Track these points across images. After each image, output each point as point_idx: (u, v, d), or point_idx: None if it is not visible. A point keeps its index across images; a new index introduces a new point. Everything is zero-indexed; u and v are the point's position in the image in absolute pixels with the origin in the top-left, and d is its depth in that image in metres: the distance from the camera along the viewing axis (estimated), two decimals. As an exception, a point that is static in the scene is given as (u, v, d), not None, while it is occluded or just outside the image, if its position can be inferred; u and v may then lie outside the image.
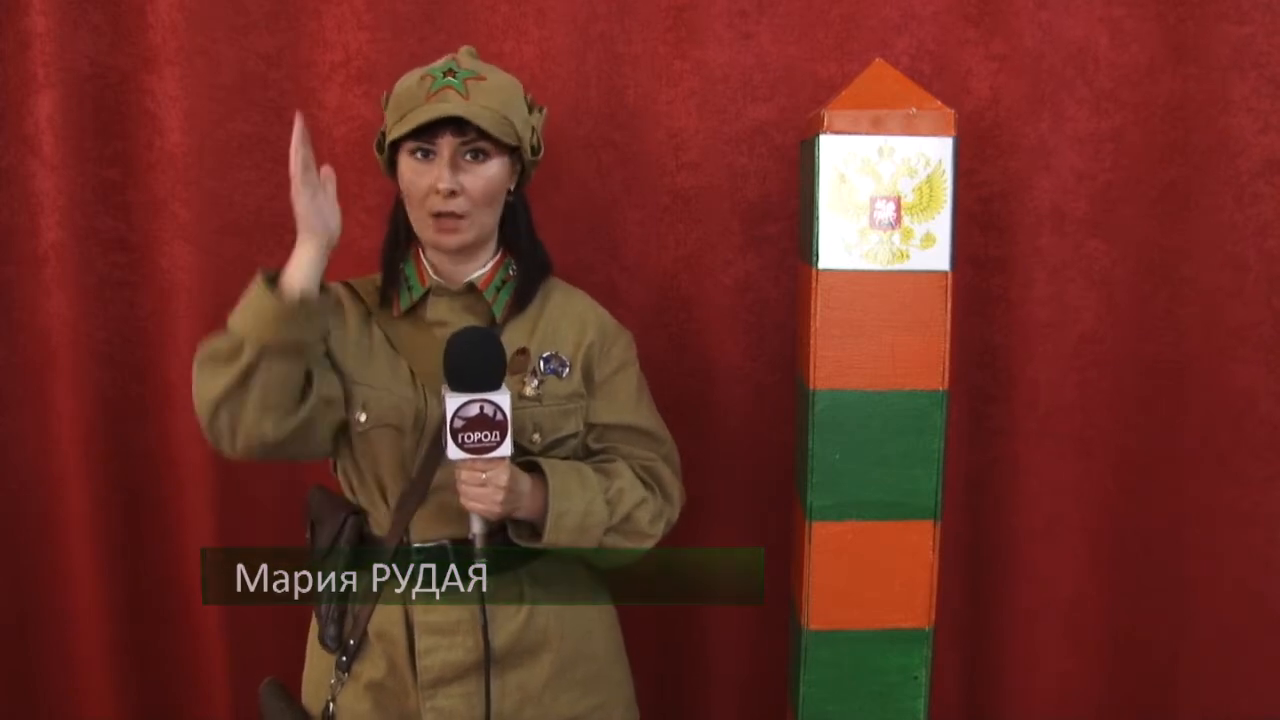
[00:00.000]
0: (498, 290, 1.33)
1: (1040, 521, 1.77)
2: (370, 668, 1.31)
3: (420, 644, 1.28)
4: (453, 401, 1.13)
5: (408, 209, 1.30)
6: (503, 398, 1.15)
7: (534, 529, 1.27)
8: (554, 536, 1.25)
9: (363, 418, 1.27)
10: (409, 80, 1.28)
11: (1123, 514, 1.78)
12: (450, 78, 1.26)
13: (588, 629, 1.37)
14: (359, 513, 1.32)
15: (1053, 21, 1.65)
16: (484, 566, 1.23)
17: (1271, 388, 1.72)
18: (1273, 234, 1.68)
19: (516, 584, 1.31)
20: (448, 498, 1.26)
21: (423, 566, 1.28)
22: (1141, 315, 1.73)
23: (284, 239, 1.70)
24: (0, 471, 1.76)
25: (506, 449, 1.16)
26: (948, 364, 1.42)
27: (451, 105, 1.23)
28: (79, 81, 1.64)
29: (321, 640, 1.33)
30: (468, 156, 1.26)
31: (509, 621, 1.30)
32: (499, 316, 1.32)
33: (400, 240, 1.35)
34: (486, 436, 1.14)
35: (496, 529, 1.25)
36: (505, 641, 1.29)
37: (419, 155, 1.26)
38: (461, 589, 1.28)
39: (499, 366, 1.17)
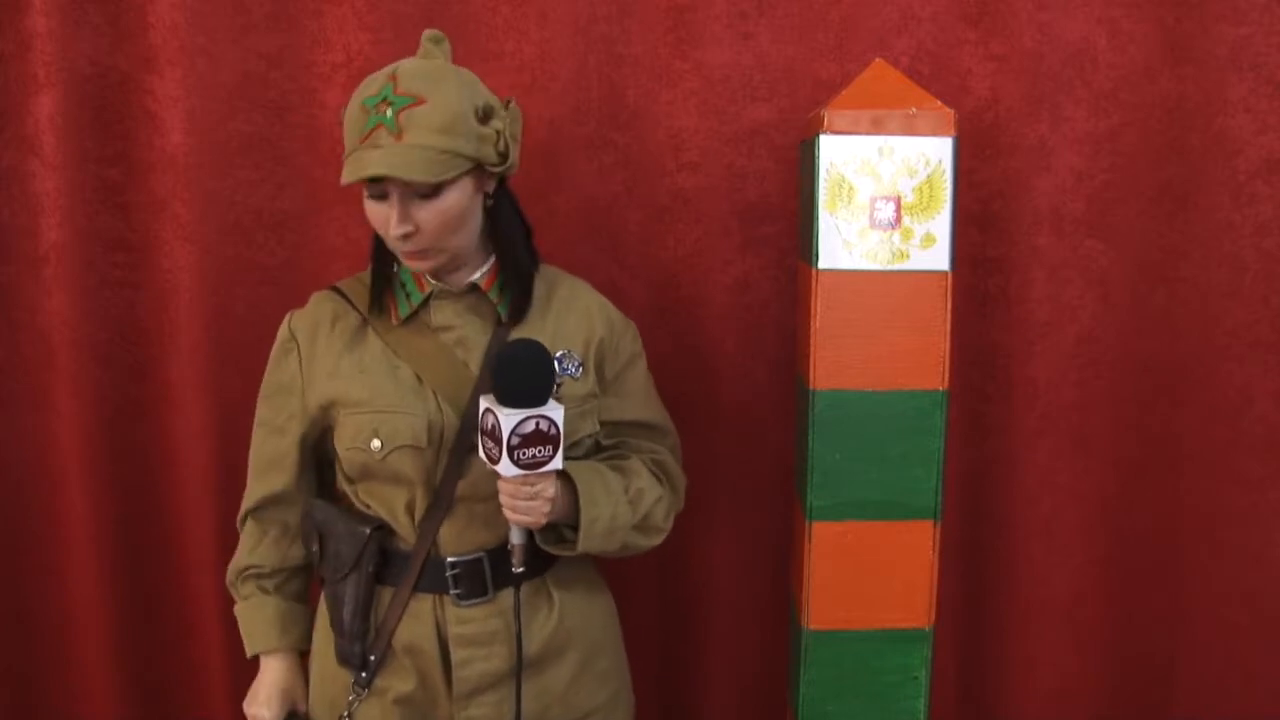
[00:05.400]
0: (502, 290, 1.29)
1: (1039, 521, 1.78)
2: (398, 682, 1.29)
3: (456, 656, 1.27)
4: (508, 420, 1.10)
5: None
6: (557, 412, 1.12)
7: (559, 533, 1.27)
8: (586, 544, 1.24)
9: (377, 444, 1.22)
10: (353, 105, 1.19)
11: (1121, 513, 1.78)
12: (383, 111, 1.14)
13: (598, 624, 1.38)
14: (381, 527, 1.29)
15: (1051, 22, 1.65)
16: (522, 572, 1.21)
17: (1268, 387, 1.72)
18: (1270, 234, 1.69)
19: (544, 589, 1.31)
20: (474, 507, 1.26)
21: (457, 579, 1.27)
22: (1139, 315, 1.73)
23: (285, 239, 1.72)
24: (0, 471, 1.75)
25: (558, 462, 1.14)
26: (948, 364, 1.42)
27: (379, 158, 1.13)
28: (79, 81, 1.64)
29: (342, 658, 1.30)
30: (418, 196, 1.17)
31: (543, 627, 1.30)
32: (504, 316, 1.29)
33: (384, 257, 1.29)
34: (541, 451, 1.12)
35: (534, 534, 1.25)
36: (539, 647, 1.29)
37: (371, 194, 1.19)
38: (494, 599, 1.28)
39: (551, 379, 1.14)
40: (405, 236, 1.18)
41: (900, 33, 1.67)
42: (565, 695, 1.31)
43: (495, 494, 1.23)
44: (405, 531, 1.28)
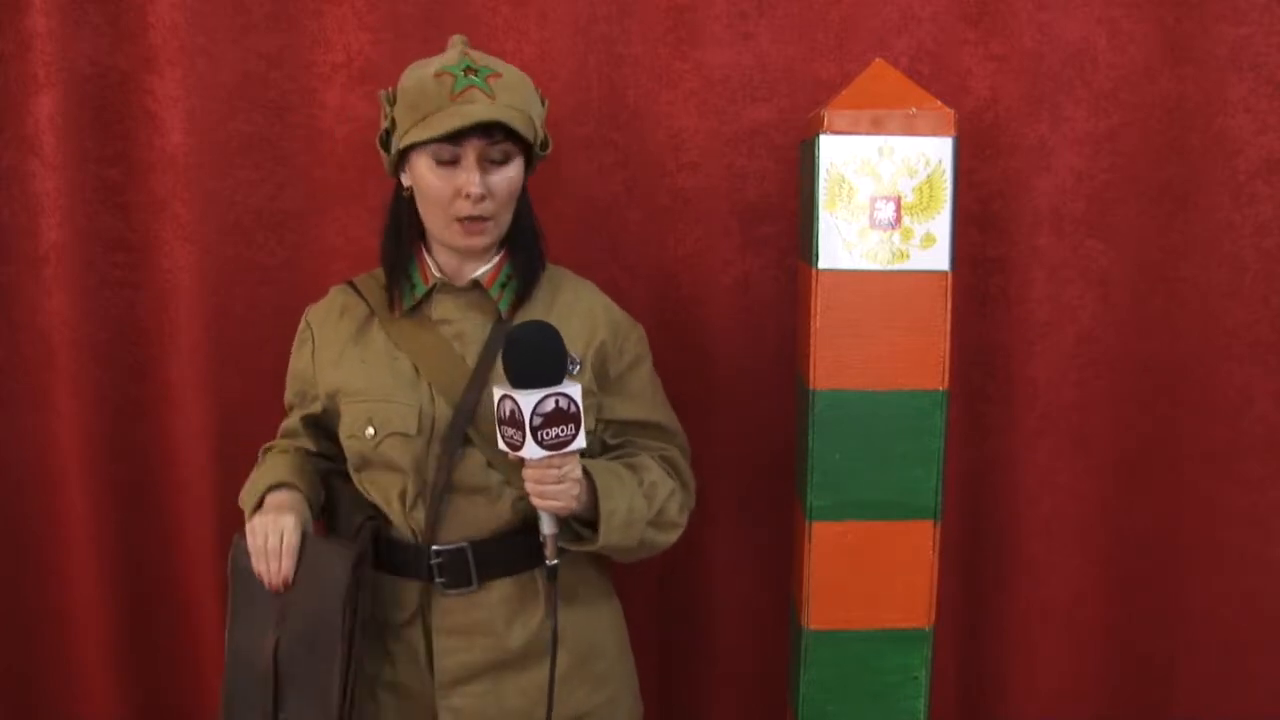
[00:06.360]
0: (502, 287, 1.32)
1: (1039, 521, 1.78)
2: (385, 668, 1.31)
3: (438, 645, 1.29)
4: (528, 400, 1.10)
5: (426, 211, 1.27)
6: (574, 389, 1.13)
7: (574, 531, 1.26)
8: (607, 536, 1.24)
9: (371, 432, 1.26)
10: (421, 77, 1.23)
11: (1121, 513, 1.78)
12: (472, 76, 1.21)
13: (598, 626, 1.38)
14: (374, 517, 1.31)
15: (1051, 22, 1.66)
16: (557, 565, 1.20)
17: (1268, 387, 1.73)
18: (1270, 234, 1.69)
19: (532, 585, 1.31)
20: (463, 498, 1.27)
21: (442, 568, 1.28)
22: (1139, 315, 1.73)
23: (284, 239, 1.72)
24: (0, 471, 1.75)
25: (582, 440, 1.14)
26: (948, 364, 1.42)
27: (483, 109, 1.20)
28: (79, 81, 1.64)
29: None
30: (491, 159, 1.24)
31: (525, 624, 1.30)
32: (504, 313, 1.31)
33: (403, 239, 1.32)
34: (564, 431, 1.13)
35: (526, 530, 1.25)
36: (522, 642, 1.30)
37: (442, 159, 1.22)
38: (478, 591, 1.29)
39: (564, 358, 1.15)
40: (480, 199, 1.22)
41: (900, 33, 1.67)
42: (556, 694, 1.31)
43: (485, 486, 1.26)
44: (398, 519, 1.30)
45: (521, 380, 1.12)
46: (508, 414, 1.13)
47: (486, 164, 1.23)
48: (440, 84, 1.20)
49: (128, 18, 1.64)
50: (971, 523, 1.80)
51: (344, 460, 1.34)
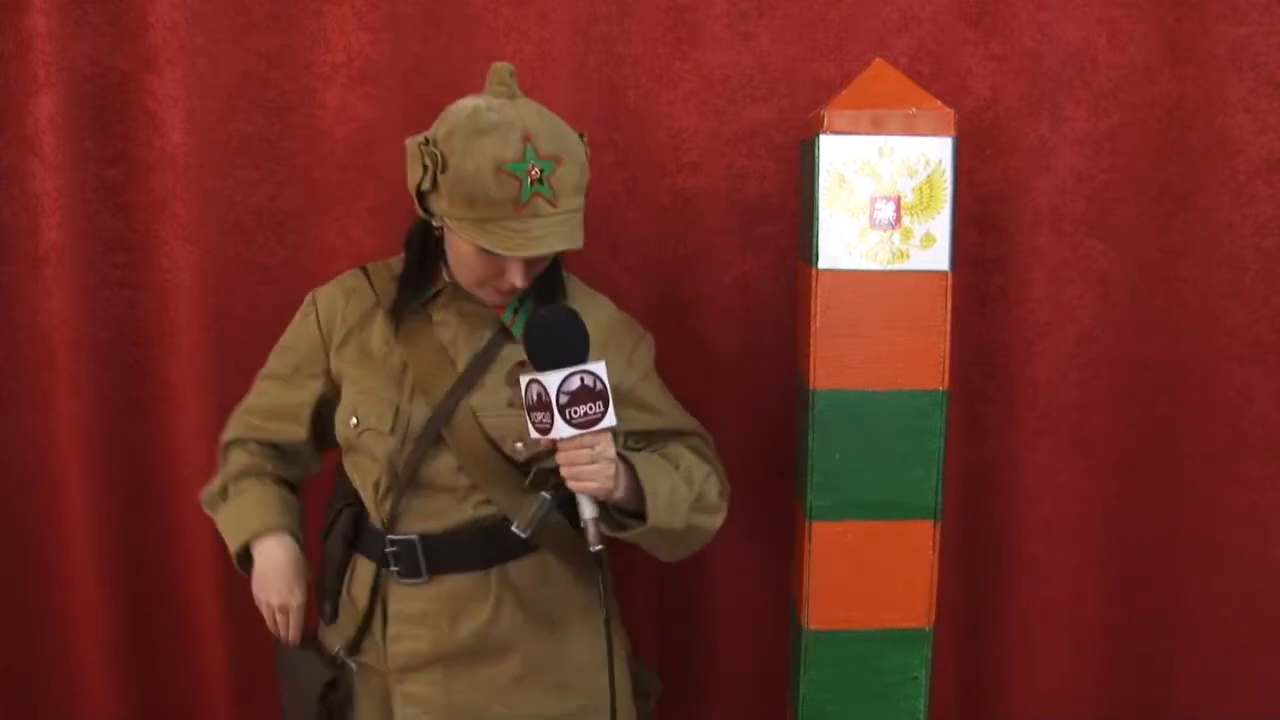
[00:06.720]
0: (515, 312, 1.31)
1: (1039, 521, 1.78)
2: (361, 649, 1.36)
3: (390, 630, 1.32)
4: (553, 379, 1.11)
5: (458, 268, 1.26)
6: (599, 366, 1.13)
7: (618, 522, 1.25)
8: (655, 516, 1.22)
9: (354, 422, 1.29)
10: (479, 166, 1.14)
11: (1121, 513, 1.78)
12: (534, 175, 1.14)
13: (564, 635, 1.35)
14: (353, 504, 1.36)
15: (1051, 22, 1.66)
16: (603, 550, 1.18)
17: (1268, 387, 1.73)
18: (1270, 233, 1.69)
19: (486, 583, 1.31)
20: (429, 495, 1.29)
21: (396, 557, 1.30)
22: (1139, 315, 1.74)
23: (284, 239, 1.72)
24: (0, 471, 1.75)
25: (611, 418, 1.14)
26: (948, 364, 1.42)
27: (549, 230, 1.16)
28: (79, 81, 1.64)
29: (321, 614, 1.38)
30: None
31: (474, 617, 1.31)
32: (518, 334, 1.29)
33: (426, 266, 1.31)
34: (592, 409, 1.12)
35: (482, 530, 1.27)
36: (469, 636, 1.31)
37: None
38: (431, 582, 1.31)
39: (585, 338, 1.14)
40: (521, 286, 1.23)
41: (900, 33, 1.68)
42: (510, 696, 1.32)
43: (452, 487, 1.28)
44: (370, 507, 1.33)
45: (545, 362, 1.12)
46: (536, 398, 1.13)
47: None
48: (502, 186, 1.14)
49: (128, 18, 1.64)
50: (971, 523, 1.80)
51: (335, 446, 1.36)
